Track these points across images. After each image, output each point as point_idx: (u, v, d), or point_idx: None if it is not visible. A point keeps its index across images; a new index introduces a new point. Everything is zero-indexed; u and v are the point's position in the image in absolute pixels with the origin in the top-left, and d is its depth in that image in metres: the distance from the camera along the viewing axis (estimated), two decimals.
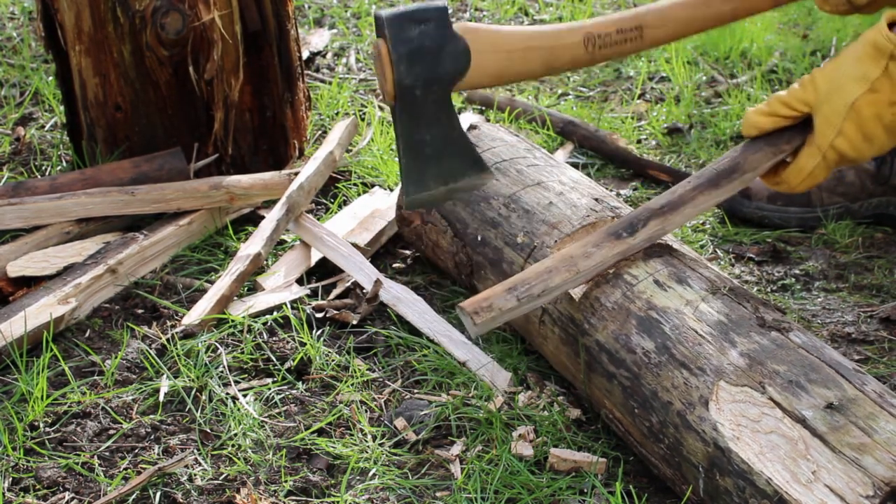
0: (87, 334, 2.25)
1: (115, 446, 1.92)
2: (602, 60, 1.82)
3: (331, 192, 2.80)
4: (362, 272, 2.38)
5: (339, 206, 2.72)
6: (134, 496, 1.79)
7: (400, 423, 1.96)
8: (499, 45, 1.72)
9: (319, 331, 2.23)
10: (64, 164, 2.88)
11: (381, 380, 2.11)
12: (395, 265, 2.50)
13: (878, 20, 1.80)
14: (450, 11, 1.69)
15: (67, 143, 2.91)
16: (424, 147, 1.72)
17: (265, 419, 1.99)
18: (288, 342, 2.19)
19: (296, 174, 2.69)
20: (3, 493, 1.79)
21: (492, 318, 1.73)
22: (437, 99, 1.70)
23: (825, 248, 2.61)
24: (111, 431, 1.96)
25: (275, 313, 2.27)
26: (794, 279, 2.49)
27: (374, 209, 2.64)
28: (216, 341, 2.18)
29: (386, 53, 1.66)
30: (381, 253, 2.55)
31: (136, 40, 2.58)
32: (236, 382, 2.08)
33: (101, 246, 2.44)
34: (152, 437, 1.94)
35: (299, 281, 2.40)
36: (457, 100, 3.31)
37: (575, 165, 2.93)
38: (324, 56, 3.69)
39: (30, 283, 2.35)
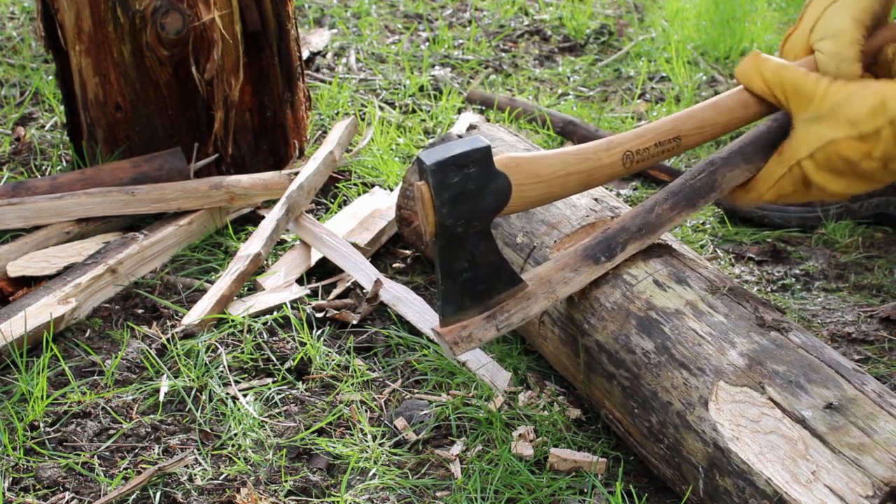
0: (87, 334, 2.25)
1: (115, 446, 1.92)
2: (638, 170, 1.83)
3: (331, 192, 2.80)
4: (362, 272, 2.38)
5: (339, 206, 2.72)
6: (134, 496, 1.79)
7: (400, 423, 1.96)
8: (539, 175, 1.72)
9: (319, 331, 2.23)
10: (64, 164, 2.88)
11: (381, 380, 2.11)
12: (395, 265, 2.50)
13: None
14: (481, 138, 1.68)
15: (67, 143, 2.91)
16: (462, 273, 1.72)
17: (265, 419, 1.99)
18: (288, 342, 2.19)
19: (296, 174, 2.69)
20: (4, 493, 1.79)
21: (471, 348, 1.74)
22: (477, 232, 1.71)
23: (825, 248, 2.61)
24: (111, 431, 1.96)
25: (275, 313, 2.27)
26: (794, 279, 2.49)
27: (374, 209, 2.64)
28: (216, 341, 2.18)
29: (429, 199, 1.65)
30: (381, 253, 2.56)
31: (136, 40, 2.58)
32: (236, 382, 2.08)
33: (101, 246, 2.44)
34: (152, 437, 1.94)
35: (299, 281, 2.41)
36: (457, 99, 3.32)
37: None
38: (324, 56, 3.69)
39: (30, 283, 2.35)
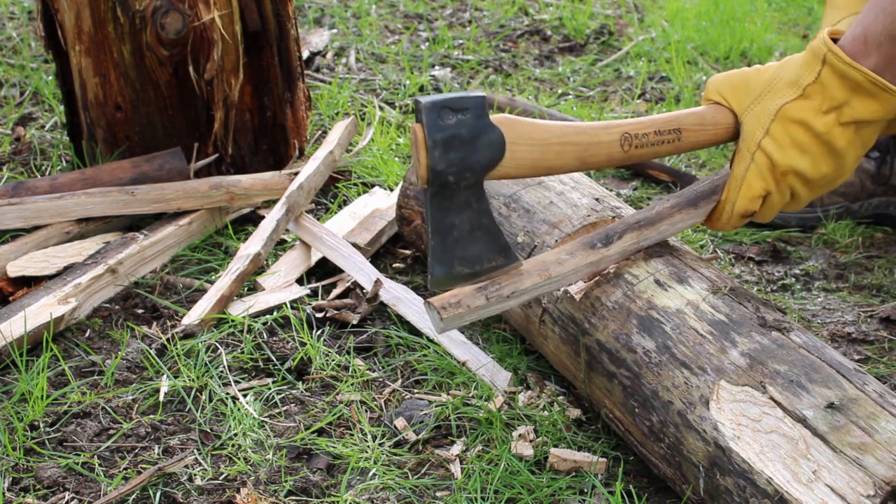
0: (87, 334, 2.24)
1: (115, 446, 1.92)
2: (638, 159, 1.82)
3: (331, 192, 2.80)
4: (362, 272, 2.38)
5: (339, 206, 2.72)
6: (134, 496, 1.79)
7: (400, 423, 1.96)
8: (534, 138, 1.73)
9: (319, 331, 2.23)
10: (64, 164, 2.88)
11: (381, 380, 2.11)
12: (395, 265, 2.50)
13: None
14: (487, 101, 1.69)
15: (67, 143, 2.91)
16: (453, 231, 1.73)
17: (265, 419, 1.99)
18: (288, 342, 2.19)
19: (296, 174, 2.69)
20: (3, 493, 1.79)
21: (459, 315, 1.74)
22: (468, 186, 1.71)
23: (825, 248, 2.61)
24: (111, 431, 1.95)
25: (275, 313, 2.27)
26: (794, 279, 2.49)
27: (374, 209, 2.64)
28: (216, 341, 2.18)
29: (422, 138, 1.67)
30: (381, 253, 2.55)
31: (136, 40, 2.58)
32: (236, 382, 2.08)
33: (101, 246, 2.44)
34: (152, 437, 1.94)
35: (299, 281, 2.40)
36: None
37: None
38: (324, 56, 3.69)
39: (30, 283, 2.35)
